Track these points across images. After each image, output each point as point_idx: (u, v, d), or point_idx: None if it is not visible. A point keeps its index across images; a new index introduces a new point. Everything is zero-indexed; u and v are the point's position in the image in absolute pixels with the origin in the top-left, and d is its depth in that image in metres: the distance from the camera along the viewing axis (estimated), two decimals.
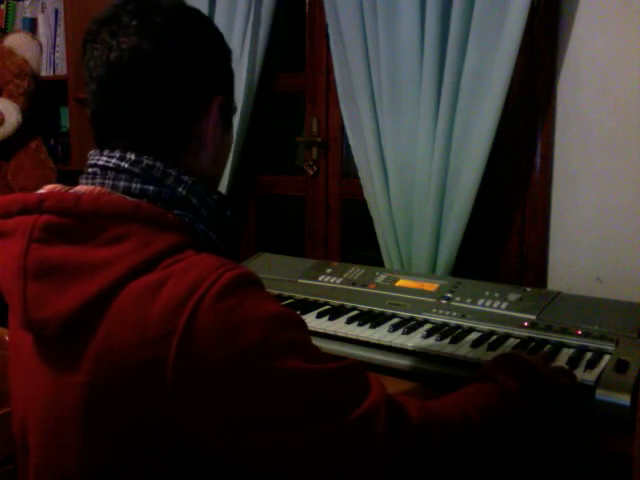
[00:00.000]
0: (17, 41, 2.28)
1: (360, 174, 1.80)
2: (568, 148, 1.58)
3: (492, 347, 1.16)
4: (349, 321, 1.31)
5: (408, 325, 1.27)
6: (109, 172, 0.76)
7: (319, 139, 2.01)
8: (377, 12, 1.64)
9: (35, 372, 0.75)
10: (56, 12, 2.50)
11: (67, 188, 0.77)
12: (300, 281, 1.59)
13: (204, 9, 1.98)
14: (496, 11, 1.48)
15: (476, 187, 1.56)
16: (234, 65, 0.87)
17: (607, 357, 1.11)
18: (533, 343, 1.20)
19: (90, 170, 0.78)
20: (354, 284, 1.53)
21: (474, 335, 1.23)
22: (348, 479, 0.72)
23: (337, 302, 1.43)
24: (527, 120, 1.62)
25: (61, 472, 0.75)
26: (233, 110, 0.88)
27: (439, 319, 1.32)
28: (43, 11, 2.55)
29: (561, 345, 1.18)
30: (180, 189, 0.77)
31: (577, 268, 1.59)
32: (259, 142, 2.18)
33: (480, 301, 1.37)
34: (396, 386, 1.10)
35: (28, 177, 2.30)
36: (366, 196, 1.79)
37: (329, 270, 1.61)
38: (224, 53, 0.85)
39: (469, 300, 1.38)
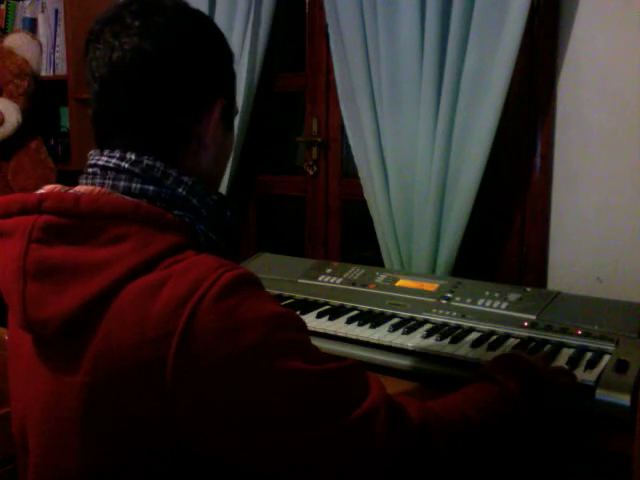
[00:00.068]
0: (17, 41, 2.28)
1: (360, 174, 1.80)
2: (568, 148, 1.58)
3: (492, 347, 1.16)
4: (349, 321, 1.31)
5: (408, 325, 1.27)
6: (109, 172, 0.76)
7: (319, 139, 2.01)
8: (377, 12, 1.64)
9: (35, 372, 0.75)
10: (56, 12, 2.50)
11: (67, 188, 0.77)
12: (300, 281, 1.59)
13: (204, 9, 1.98)
14: (496, 11, 1.48)
15: (476, 187, 1.56)
16: (235, 66, 0.87)
17: (607, 357, 1.11)
18: (533, 343, 1.20)
19: (90, 170, 0.78)
20: (354, 284, 1.53)
21: (474, 335, 1.23)
22: (348, 479, 0.72)
23: (337, 302, 1.43)
24: (527, 120, 1.62)
25: (61, 472, 0.75)
26: (235, 112, 0.88)
27: (439, 319, 1.32)
28: (43, 11, 2.55)
29: (561, 345, 1.18)
30: (180, 189, 0.77)
31: (577, 268, 1.59)
32: (259, 142, 2.18)
33: (480, 301, 1.37)
34: (396, 386, 1.10)
35: (28, 177, 2.30)
36: (366, 196, 1.79)
37: (329, 270, 1.61)
38: (226, 54, 0.85)
39: (469, 300, 1.38)
